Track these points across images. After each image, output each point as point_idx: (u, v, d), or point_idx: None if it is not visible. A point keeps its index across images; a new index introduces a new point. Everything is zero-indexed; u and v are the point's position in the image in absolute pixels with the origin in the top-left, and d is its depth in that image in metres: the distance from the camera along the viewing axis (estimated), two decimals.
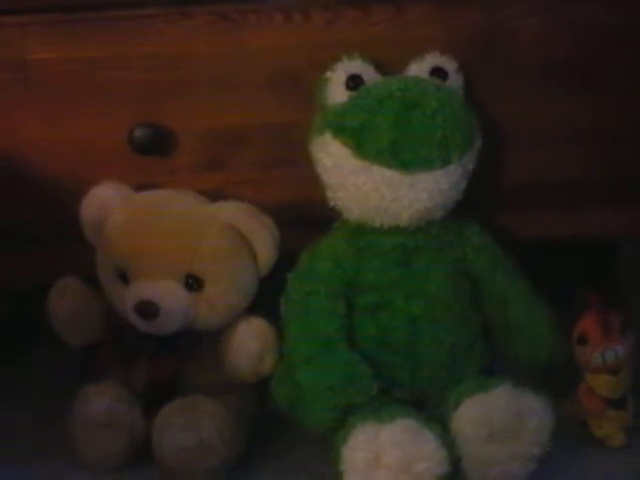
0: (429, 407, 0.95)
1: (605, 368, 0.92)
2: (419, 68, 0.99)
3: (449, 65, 0.99)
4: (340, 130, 0.96)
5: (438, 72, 0.98)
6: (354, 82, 0.98)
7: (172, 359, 0.99)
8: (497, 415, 0.89)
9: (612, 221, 1.06)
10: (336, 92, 0.98)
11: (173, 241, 0.97)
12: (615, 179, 1.06)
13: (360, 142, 0.94)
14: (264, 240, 0.98)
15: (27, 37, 1.00)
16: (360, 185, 0.95)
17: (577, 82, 1.02)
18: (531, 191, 1.05)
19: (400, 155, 0.93)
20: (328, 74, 0.99)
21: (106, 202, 1.00)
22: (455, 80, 0.99)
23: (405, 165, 0.94)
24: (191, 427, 0.93)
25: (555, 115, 1.03)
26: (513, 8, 0.99)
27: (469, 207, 0.99)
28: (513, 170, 1.04)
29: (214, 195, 1.01)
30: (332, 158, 0.96)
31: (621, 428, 0.95)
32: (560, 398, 0.95)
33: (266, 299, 1.00)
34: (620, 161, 1.05)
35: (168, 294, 0.96)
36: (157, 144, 1.02)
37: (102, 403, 0.95)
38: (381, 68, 0.99)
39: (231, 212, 0.98)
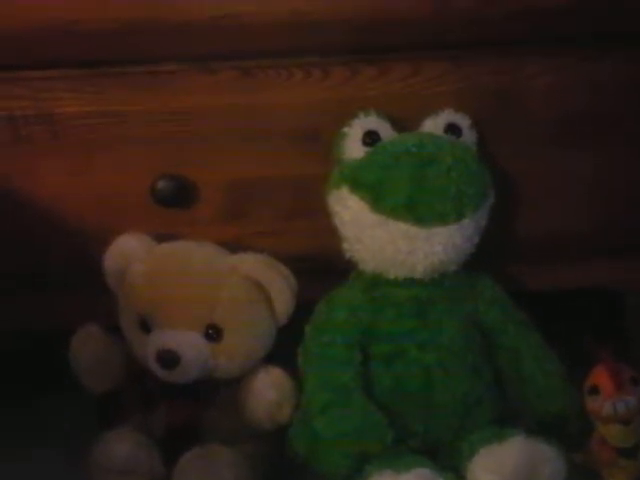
0: (442, 456, 0.96)
1: (617, 418, 0.93)
2: (434, 124, 1.01)
3: (463, 122, 1.02)
4: (357, 185, 0.98)
5: (452, 128, 1.01)
6: (371, 138, 1.00)
7: (191, 406, 1.01)
8: (511, 465, 0.90)
9: (622, 273, 1.08)
10: (353, 147, 1.00)
11: (194, 291, 0.99)
12: (626, 232, 1.08)
13: (377, 197, 0.97)
14: (282, 291, 1.00)
15: (55, 91, 1.03)
16: (376, 238, 0.97)
17: (588, 139, 1.05)
18: (541, 243, 1.07)
19: (416, 210, 0.96)
20: (345, 130, 1.01)
21: (129, 252, 1.02)
22: (469, 136, 1.02)
23: (421, 219, 0.96)
24: (210, 476, 0.94)
25: (566, 171, 1.05)
26: (528, 68, 1.02)
27: (480, 258, 1.01)
28: (523, 223, 1.07)
29: (233, 246, 1.03)
30: (349, 212, 0.99)
31: (633, 478, 0.96)
32: (572, 448, 0.96)
33: (284, 348, 1.01)
34: (632, 215, 1.07)
35: (189, 344, 0.98)
36: (179, 196, 1.04)
37: (122, 449, 0.96)
38: (397, 124, 1.02)
39: (250, 263, 1.00)
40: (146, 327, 1.00)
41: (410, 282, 0.99)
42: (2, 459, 1.06)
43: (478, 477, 0.91)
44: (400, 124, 1.02)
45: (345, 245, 1.01)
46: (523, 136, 1.04)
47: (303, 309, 1.01)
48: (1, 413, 1.13)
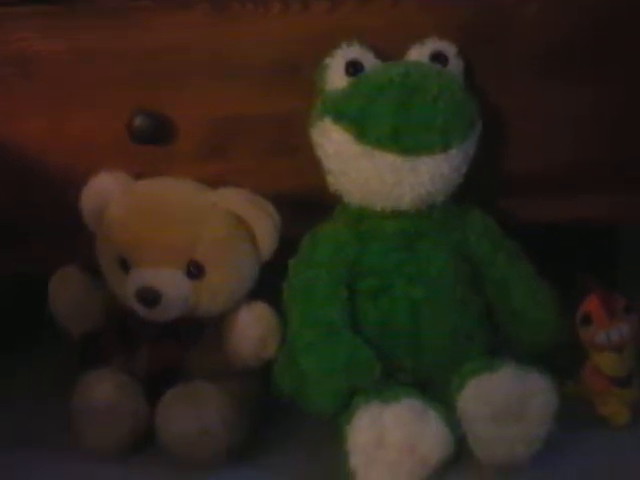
0: (432, 389, 0.95)
1: (610, 347, 0.92)
2: (419, 53, 0.99)
3: (449, 50, 0.99)
4: (340, 116, 0.96)
5: (438, 57, 0.98)
6: (354, 68, 0.98)
7: (174, 346, 0.99)
8: (501, 396, 0.89)
9: (611, 206, 1.07)
10: (336, 78, 0.98)
11: (174, 229, 0.97)
12: (613, 165, 1.06)
13: (361, 128, 0.95)
14: (265, 226, 0.98)
15: (25, 30, 1.00)
16: (361, 170, 0.95)
17: (574, 69, 1.02)
18: (532, 175, 1.05)
19: (401, 140, 0.94)
20: (327, 61, 0.99)
21: (106, 191, 1.00)
22: (455, 65, 0.99)
23: (406, 150, 0.94)
24: (194, 414, 0.93)
25: (552, 101, 1.03)
26: None
27: (470, 191, 0.99)
28: (513, 154, 1.05)
29: (214, 183, 1.01)
30: (333, 144, 0.96)
31: (626, 406, 0.95)
32: (564, 379, 0.95)
33: (268, 286, 0.99)
34: (618, 148, 1.05)
35: (169, 281, 0.96)
36: (157, 133, 1.02)
37: (104, 390, 0.95)
38: (381, 54, 0.99)
39: (232, 199, 0.98)
40: (126, 266, 0.98)
41: (397, 215, 0.97)
42: None
43: (468, 408, 0.90)
44: (384, 54, 1.00)
45: (329, 178, 0.99)
46: (510, 64, 1.02)
47: (287, 246, 0.99)
48: None
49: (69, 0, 1.00)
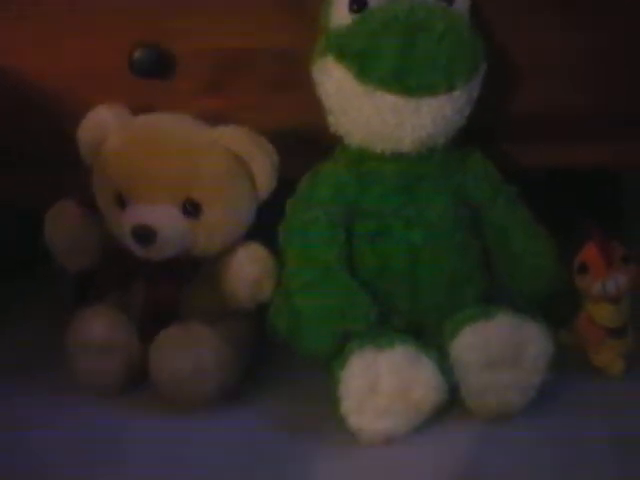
0: (427, 335, 0.94)
1: (606, 297, 0.91)
2: None
3: None
4: (343, 54, 0.94)
5: None
6: (358, 4, 0.95)
7: (169, 284, 0.99)
8: (496, 343, 0.88)
9: (614, 152, 1.04)
10: (339, 15, 0.96)
11: (171, 165, 0.95)
12: (617, 111, 1.03)
13: (363, 66, 0.92)
14: (263, 165, 0.96)
15: None
16: (362, 110, 0.93)
17: (584, 9, 0.99)
18: (534, 120, 1.03)
19: (404, 80, 0.92)
20: None
21: (104, 124, 0.98)
22: (462, 3, 0.97)
23: (409, 90, 0.92)
24: (187, 352, 0.92)
25: (559, 42, 1.00)
26: None
27: (471, 135, 0.97)
28: (516, 98, 1.02)
29: (214, 119, 0.99)
30: (334, 82, 0.95)
31: (620, 356, 0.94)
32: (560, 327, 0.95)
33: (265, 227, 0.98)
34: (621, 94, 1.03)
35: (165, 219, 0.95)
36: (157, 66, 1.00)
37: (99, 326, 0.95)
38: None
39: (230, 137, 0.96)
40: (122, 202, 0.97)
41: (397, 157, 0.95)
42: None
43: (462, 355, 0.89)
44: None
45: (330, 118, 0.97)
46: (519, 4, 0.99)
47: (285, 186, 0.98)
48: None
49: None
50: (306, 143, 1.01)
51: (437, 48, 0.92)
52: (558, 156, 1.05)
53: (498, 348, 0.88)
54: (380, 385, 0.87)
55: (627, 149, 1.05)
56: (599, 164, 1.05)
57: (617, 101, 1.03)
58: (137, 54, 1.00)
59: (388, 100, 0.92)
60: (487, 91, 0.97)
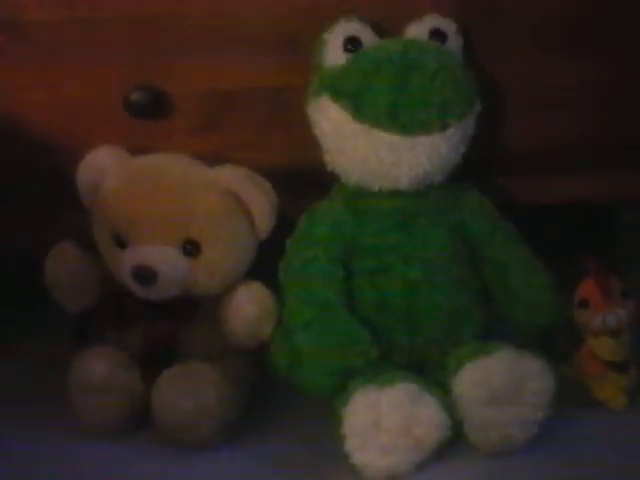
0: (428, 372, 0.95)
1: (606, 331, 0.92)
2: (418, 30, 0.98)
3: (448, 27, 0.98)
4: (338, 93, 0.95)
5: (437, 34, 0.97)
6: (352, 44, 0.97)
7: (169, 324, 0.99)
8: (498, 378, 0.89)
9: (608, 186, 1.06)
10: (334, 54, 0.97)
11: (170, 205, 0.96)
12: (612, 144, 1.05)
13: (358, 105, 0.94)
14: (262, 204, 0.97)
15: None
16: (359, 148, 0.95)
17: (577, 43, 1.01)
18: (528, 154, 1.05)
19: (399, 118, 0.93)
20: (325, 36, 0.98)
21: (102, 166, 0.99)
22: (454, 42, 0.98)
23: (404, 128, 0.93)
24: (189, 392, 0.92)
25: (553, 77, 1.02)
26: None
27: (468, 170, 0.98)
28: (511, 133, 1.04)
29: (211, 158, 1.00)
30: (330, 121, 0.96)
31: (622, 390, 0.95)
32: (560, 362, 0.95)
33: (264, 265, 0.99)
34: (617, 125, 1.04)
35: (166, 259, 0.95)
36: (153, 107, 1.01)
37: (101, 368, 0.95)
38: (379, 30, 0.98)
39: (229, 176, 0.97)
40: (121, 243, 0.97)
41: (394, 194, 0.96)
42: None
43: (464, 391, 0.90)
44: (383, 30, 0.99)
45: (327, 157, 0.98)
46: (510, 42, 1.00)
47: (284, 224, 0.99)
48: None
49: None
50: (303, 181, 1.02)
51: (430, 87, 0.93)
52: (555, 190, 1.06)
53: (500, 384, 0.88)
54: (383, 422, 0.87)
55: (624, 181, 1.06)
56: (596, 197, 1.06)
57: (614, 133, 1.04)
58: (133, 95, 1.01)
59: (384, 138, 0.93)
60: (483, 126, 0.99)
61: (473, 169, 0.99)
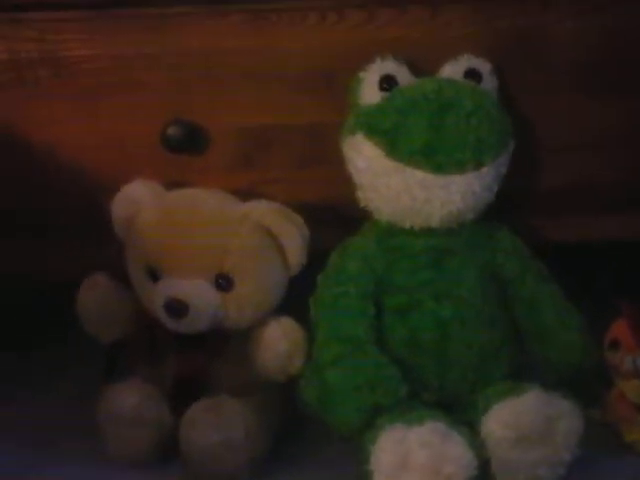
0: (457, 410, 0.94)
1: (637, 374, 0.91)
2: (453, 70, 0.98)
3: (483, 67, 0.98)
4: (373, 131, 0.95)
5: (472, 74, 0.98)
6: (387, 83, 0.97)
7: (200, 357, 0.99)
8: (527, 419, 0.88)
9: None
10: (369, 93, 0.98)
11: (204, 240, 0.97)
12: None
13: (393, 143, 0.94)
14: (294, 240, 0.97)
15: (62, 33, 1.00)
16: (392, 186, 0.95)
17: (611, 86, 1.01)
18: (562, 194, 1.05)
19: (433, 157, 0.93)
20: (361, 74, 0.99)
21: (138, 199, 1.00)
22: (489, 82, 0.99)
23: (438, 167, 0.93)
24: (218, 426, 0.92)
25: (588, 118, 1.02)
26: (548, 13, 0.99)
27: (501, 209, 0.99)
28: (545, 172, 1.04)
29: (245, 194, 1.01)
30: (364, 159, 0.96)
31: None
32: (590, 403, 0.95)
33: (296, 299, 0.99)
34: None
35: (198, 293, 0.96)
36: (190, 142, 1.02)
37: (131, 401, 0.95)
38: (415, 69, 0.99)
39: (262, 212, 0.98)
40: (154, 276, 0.98)
41: (426, 232, 0.97)
42: (14, 404, 1.07)
43: (493, 431, 0.89)
44: (418, 69, 0.99)
45: (360, 193, 0.99)
46: (545, 82, 1.01)
47: (316, 259, 0.99)
48: (11, 360, 1.13)
49: (107, 5, 1.00)
50: (336, 217, 1.03)
51: (465, 126, 0.93)
52: (588, 229, 1.06)
53: (528, 425, 0.88)
54: (411, 460, 0.87)
55: None
56: (629, 237, 1.06)
57: None
58: (170, 130, 1.02)
59: (417, 176, 0.94)
60: (516, 165, 0.99)
61: (506, 207, 0.99)
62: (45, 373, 1.14)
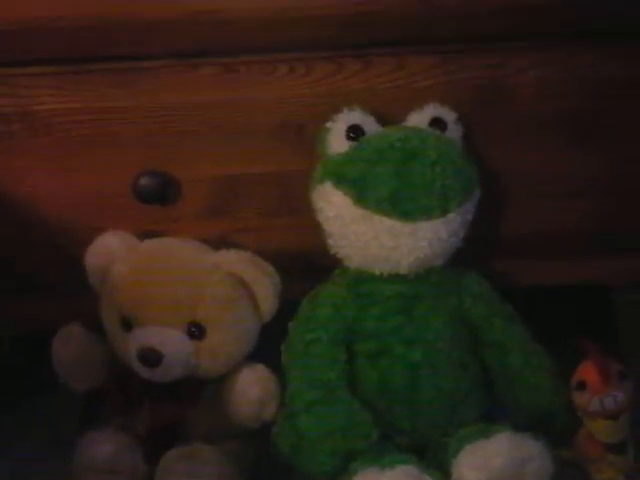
0: (429, 453, 0.96)
1: (604, 414, 0.92)
2: (419, 119, 1.00)
3: (448, 116, 1.01)
4: (341, 180, 0.97)
5: (437, 123, 1.00)
6: (354, 132, 0.99)
7: (174, 406, 1.00)
8: (497, 461, 0.89)
9: (608, 269, 1.08)
10: (337, 142, 1.00)
11: (176, 289, 0.98)
12: (611, 230, 1.07)
13: (361, 192, 0.96)
14: (266, 288, 0.99)
15: (35, 88, 1.02)
16: (360, 234, 0.97)
17: (573, 135, 1.03)
18: (528, 239, 1.07)
19: (400, 205, 0.95)
20: (329, 124, 1.00)
21: (111, 250, 1.01)
22: (454, 130, 1.01)
23: (405, 214, 0.95)
24: (192, 474, 0.93)
25: (551, 166, 1.04)
26: (513, 63, 1.01)
27: (468, 254, 1.00)
28: (510, 218, 1.06)
29: (217, 242, 1.02)
30: (333, 207, 0.98)
31: (621, 472, 0.95)
32: (559, 444, 0.96)
33: (267, 347, 1.00)
34: (616, 213, 1.06)
35: (171, 342, 0.97)
36: (161, 193, 1.03)
37: (105, 450, 0.95)
38: (381, 119, 1.01)
39: (233, 261, 0.99)
40: (128, 325, 0.99)
41: (395, 278, 0.98)
42: None
43: (463, 474, 0.90)
44: (385, 118, 1.01)
45: (329, 241, 1.00)
46: (509, 130, 1.03)
47: (287, 306, 1.00)
48: None
49: (79, 60, 1.01)
50: (306, 265, 1.04)
51: (431, 173, 0.95)
52: (554, 273, 1.08)
53: (499, 467, 0.89)
54: None
55: (621, 266, 1.08)
56: (594, 281, 1.08)
57: (609, 220, 1.07)
58: (142, 181, 1.03)
59: (385, 224, 0.95)
60: (483, 211, 1.01)
61: (473, 253, 1.01)
62: (20, 423, 1.13)
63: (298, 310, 1.01)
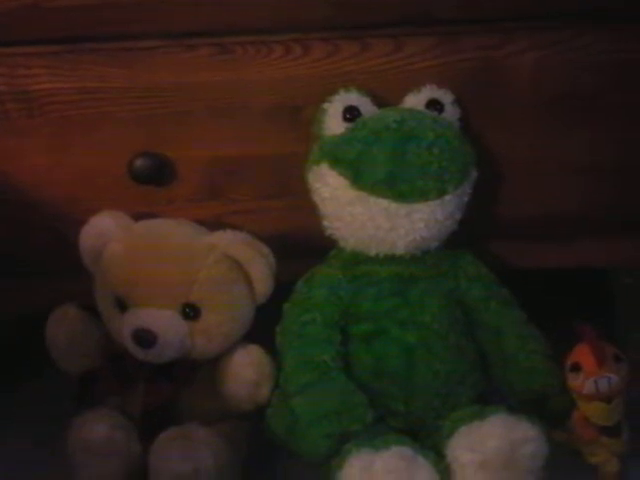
0: (423, 435, 0.95)
1: (598, 396, 0.92)
2: (415, 100, 1.00)
3: (445, 98, 1.00)
4: (337, 161, 0.97)
5: (434, 104, 1.00)
6: (351, 114, 0.99)
7: (168, 386, 0.99)
8: (491, 443, 0.89)
9: (605, 251, 1.07)
10: (333, 123, 0.99)
11: (171, 270, 0.97)
12: (610, 211, 1.07)
13: (357, 173, 0.96)
14: (261, 269, 0.98)
15: (31, 68, 1.01)
16: (356, 215, 0.96)
17: (572, 117, 1.03)
18: (526, 221, 1.06)
19: (396, 186, 0.95)
20: (325, 106, 1.00)
21: (105, 231, 1.01)
22: (451, 112, 1.00)
23: (401, 196, 0.95)
24: (187, 455, 0.93)
25: (549, 149, 1.04)
26: (511, 45, 1.00)
27: (465, 236, 1.00)
28: (508, 201, 1.06)
29: (212, 224, 1.02)
30: (329, 188, 0.98)
31: (615, 455, 0.95)
32: (554, 426, 0.95)
33: (262, 328, 1.00)
34: (615, 194, 1.06)
35: (165, 323, 0.97)
36: (157, 174, 1.03)
37: (100, 430, 0.95)
38: (378, 100, 1.01)
39: (229, 241, 0.99)
40: (122, 306, 0.99)
41: (391, 259, 0.98)
42: None
43: (458, 455, 0.90)
44: (381, 100, 1.01)
45: (325, 222, 1.00)
46: (507, 112, 1.03)
47: (282, 288, 1.00)
48: None
49: (75, 40, 1.01)
50: (302, 246, 1.04)
51: (428, 155, 0.95)
52: (553, 255, 1.07)
53: (493, 449, 0.89)
54: None
55: (621, 248, 1.07)
56: (594, 263, 1.08)
57: (611, 201, 1.06)
58: (138, 162, 1.03)
59: (381, 205, 0.95)
60: (479, 193, 1.00)
61: (470, 234, 1.00)
62: (18, 406, 1.13)
63: (293, 291, 1.01)
